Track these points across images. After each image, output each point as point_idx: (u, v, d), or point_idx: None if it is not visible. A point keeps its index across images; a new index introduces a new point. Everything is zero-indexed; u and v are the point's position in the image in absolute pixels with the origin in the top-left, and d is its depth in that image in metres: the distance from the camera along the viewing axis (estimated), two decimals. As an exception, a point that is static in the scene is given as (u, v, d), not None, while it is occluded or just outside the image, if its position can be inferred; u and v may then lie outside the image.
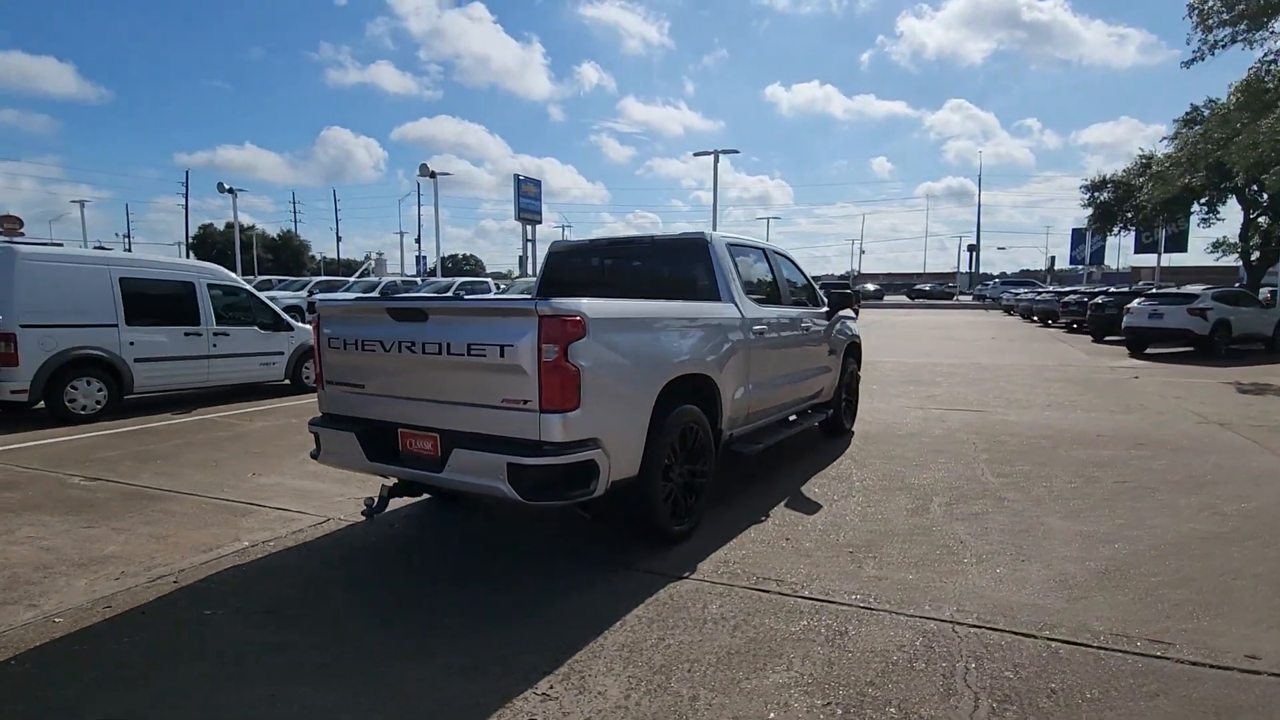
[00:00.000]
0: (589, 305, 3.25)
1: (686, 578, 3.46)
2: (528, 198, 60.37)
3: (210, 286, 9.11)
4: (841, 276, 60.58)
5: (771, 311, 5.19)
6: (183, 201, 65.53)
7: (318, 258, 73.89)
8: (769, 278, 5.53)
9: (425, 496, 4.44)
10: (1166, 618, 3.01)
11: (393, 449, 3.63)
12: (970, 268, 61.36)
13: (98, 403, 7.91)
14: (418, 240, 63.13)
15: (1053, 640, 2.81)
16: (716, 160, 31.12)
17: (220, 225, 74.34)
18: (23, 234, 55.60)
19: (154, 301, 8.54)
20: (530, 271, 63.37)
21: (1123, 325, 15.14)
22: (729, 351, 4.43)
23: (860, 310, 32.96)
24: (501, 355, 3.19)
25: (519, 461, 3.08)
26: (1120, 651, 2.72)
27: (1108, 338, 17.66)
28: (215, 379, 9.12)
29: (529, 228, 58.99)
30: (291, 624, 3.05)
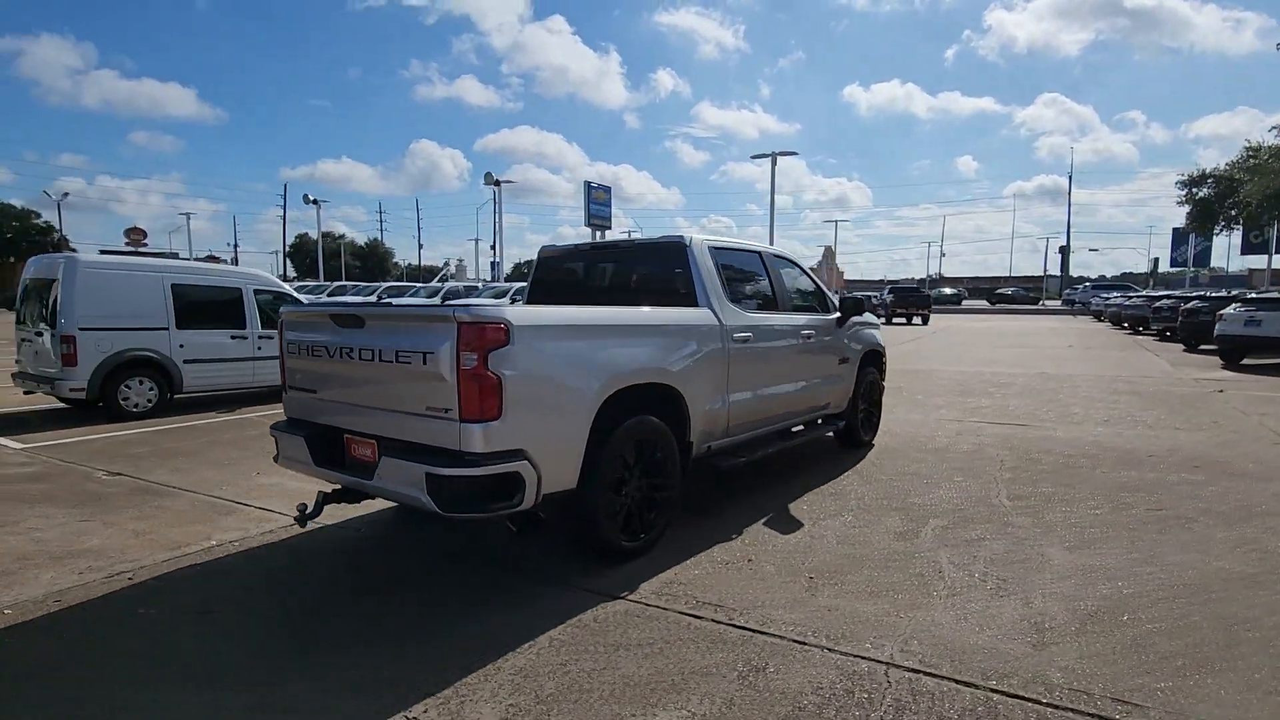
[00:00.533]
0: (514, 312, 3.14)
1: (623, 598, 3.29)
2: (597, 204, 61.28)
3: (256, 292, 9.56)
4: (917, 281, 58.16)
5: (763, 318, 4.93)
6: (296, 213, 69.97)
7: (401, 264, 77.15)
8: (763, 283, 5.27)
9: (375, 503, 4.44)
10: (1146, 673, 2.61)
11: (339, 454, 3.64)
12: (1060, 270, 57.60)
13: (149, 401, 8.42)
14: (493, 246, 64.94)
15: (995, 692, 2.49)
16: (774, 163, 30.54)
17: (314, 234, 78.86)
18: (146, 244, 60.72)
19: (202, 306, 9.03)
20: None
21: (1214, 333, 13.78)
22: (700, 360, 4.22)
23: (930, 316, 31.62)
24: (424, 362, 3.13)
25: (436, 472, 3.00)
26: (1071, 711, 2.37)
27: (1202, 347, 16.13)
28: (260, 380, 9.54)
29: (598, 233, 59.89)
30: (211, 628, 3.07)
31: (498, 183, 29.68)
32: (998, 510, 4.60)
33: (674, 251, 4.61)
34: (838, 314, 5.95)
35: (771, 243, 33.42)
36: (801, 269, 5.98)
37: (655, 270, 4.89)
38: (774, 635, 2.92)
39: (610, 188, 61.22)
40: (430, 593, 3.41)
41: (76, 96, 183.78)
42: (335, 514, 4.32)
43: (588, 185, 58.23)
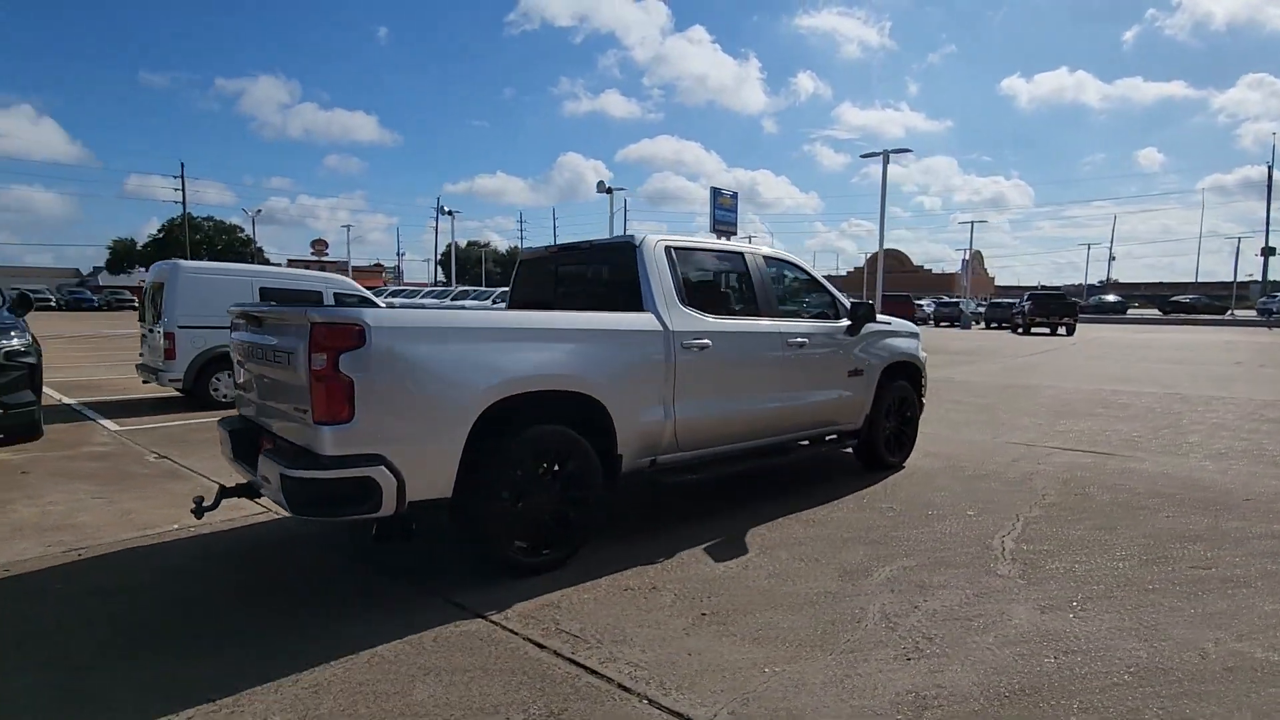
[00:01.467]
0: (373, 314, 3.06)
1: (484, 617, 3.10)
2: (723, 209, 60.91)
3: (337, 295, 10.29)
4: (1062, 287, 51.99)
5: (733, 323, 4.54)
6: (446, 224, 75.89)
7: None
8: (741, 286, 4.85)
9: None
10: (1021, 780, 2.05)
11: (254, 451, 3.74)
12: (1262, 276, 49.30)
13: (235, 392, 9.32)
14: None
15: (800, 778, 2.04)
16: (886, 161, 28.56)
17: (463, 243, 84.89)
18: (327, 253, 68.71)
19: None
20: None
21: None
22: (632, 367, 3.94)
23: (1076, 326, 28.22)
24: (288, 362, 3.13)
25: (287, 472, 2.98)
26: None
27: None
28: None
29: (724, 239, 59.36)
30: (86, 611, 3.17)
31: (609, 190, 30.26)
32: (987, 554, 3.90)
33: (625, 253, 4.35)
34: (848, 321, 5.37)
35: (881, 245, 31.35)
36: (804, 272, 5.46)
37: (609, 272, 4.65)
38: (603, 677, 2.61)
39: (736, 193, 60.60)
40: (310, 596, 3.40)
41: (284, 128, 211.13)
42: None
43: (714, 192, 58.01)
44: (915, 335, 6.30)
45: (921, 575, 3.60)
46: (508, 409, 3.42)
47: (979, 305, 42.18)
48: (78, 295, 51.69)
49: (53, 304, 47.80)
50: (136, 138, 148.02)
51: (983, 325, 36.82)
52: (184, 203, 60.86)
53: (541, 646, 2.84)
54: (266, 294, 9.49)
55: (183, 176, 60.83)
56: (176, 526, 4.35)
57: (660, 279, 4.25)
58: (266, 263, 69.07)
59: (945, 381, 11.82)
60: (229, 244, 68.28)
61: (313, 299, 10.01)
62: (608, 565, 3.71)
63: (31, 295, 9.72)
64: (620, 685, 2.54)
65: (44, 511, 4.63)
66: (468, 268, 75.59)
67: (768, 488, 5.30)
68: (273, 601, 3.33)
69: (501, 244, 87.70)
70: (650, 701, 2.44)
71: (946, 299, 43.18)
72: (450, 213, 44.82)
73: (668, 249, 4.39)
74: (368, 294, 11.12)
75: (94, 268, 78.09)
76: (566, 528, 3.69)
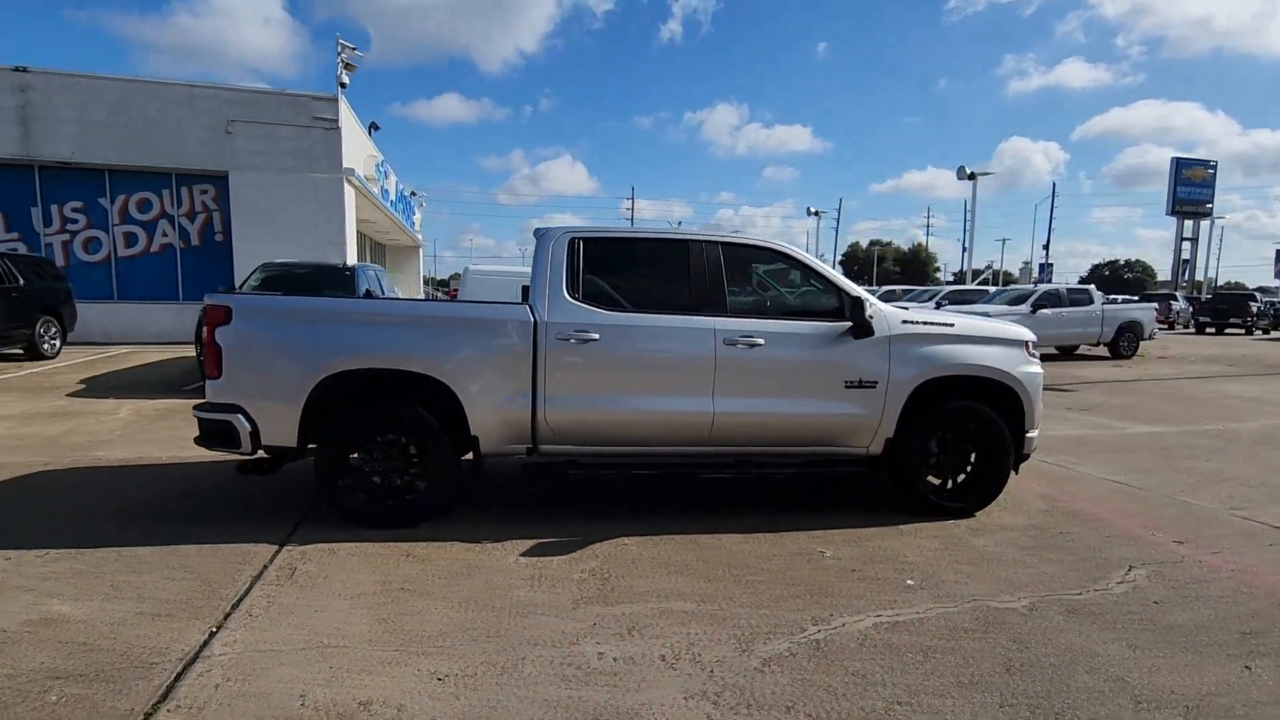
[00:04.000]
0: (239, 298, 4.03)
1: (285, 546, 3.77)
2: (1190, 185, 48.52)
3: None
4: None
5: (632, 318, 4.24)
6: (876, 225, 76.60)
7: (943, 269, 74.52)
8: (671, 279, 4.41)
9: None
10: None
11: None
12: None
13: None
14: (1045, 247, 55.98)
15: None
16: None
17: (864, 244, 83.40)
18: None
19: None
20: (1185, 278, 48.88)
21: None
22: (489, 355, 4.11)
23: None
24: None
25: (194, 413, 4.16)
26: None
27: None
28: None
29: (1191, 223, 46.12)
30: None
31: (972, 175, 25.85)
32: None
33: (538, 244, 4.46)
34: (848, 323, 4.35)
35: None
36: (799, 265, 4.58)
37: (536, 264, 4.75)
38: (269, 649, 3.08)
39: (1215, 163, 47.36)
40: (187, 521, 4.42)
41: (733, 147, 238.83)
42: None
43: (1175, 162, 46.82)
44: (1009, 343, 4.61)
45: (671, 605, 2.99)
46: (355, 381, 4.03)
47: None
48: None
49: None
50: (631, 170, 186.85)
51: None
52: (632, 218, 73.96)
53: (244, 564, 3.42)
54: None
55: (632, 198, 74.19)
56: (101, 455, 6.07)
57: (550, 272, 4.27)
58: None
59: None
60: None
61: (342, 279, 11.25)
62: (455, 534, 3.98)
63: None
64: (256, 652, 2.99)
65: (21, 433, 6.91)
66: (866, 268, 73.73)
67: (757, 498, 4.67)
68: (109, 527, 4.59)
69: (905, 242, 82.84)
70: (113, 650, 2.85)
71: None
72: (819, 214, 44.60)
73: (573, 241, 4.35)
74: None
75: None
76: (416, 492, 4.12)
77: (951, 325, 4.55)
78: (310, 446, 4.12)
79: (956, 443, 4.56)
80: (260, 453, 4.11)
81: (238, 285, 11.86)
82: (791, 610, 3.13)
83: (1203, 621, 3.07)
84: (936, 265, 74.85)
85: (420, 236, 33.52)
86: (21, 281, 11.66)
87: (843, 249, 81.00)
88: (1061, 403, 9.42)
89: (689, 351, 4.26)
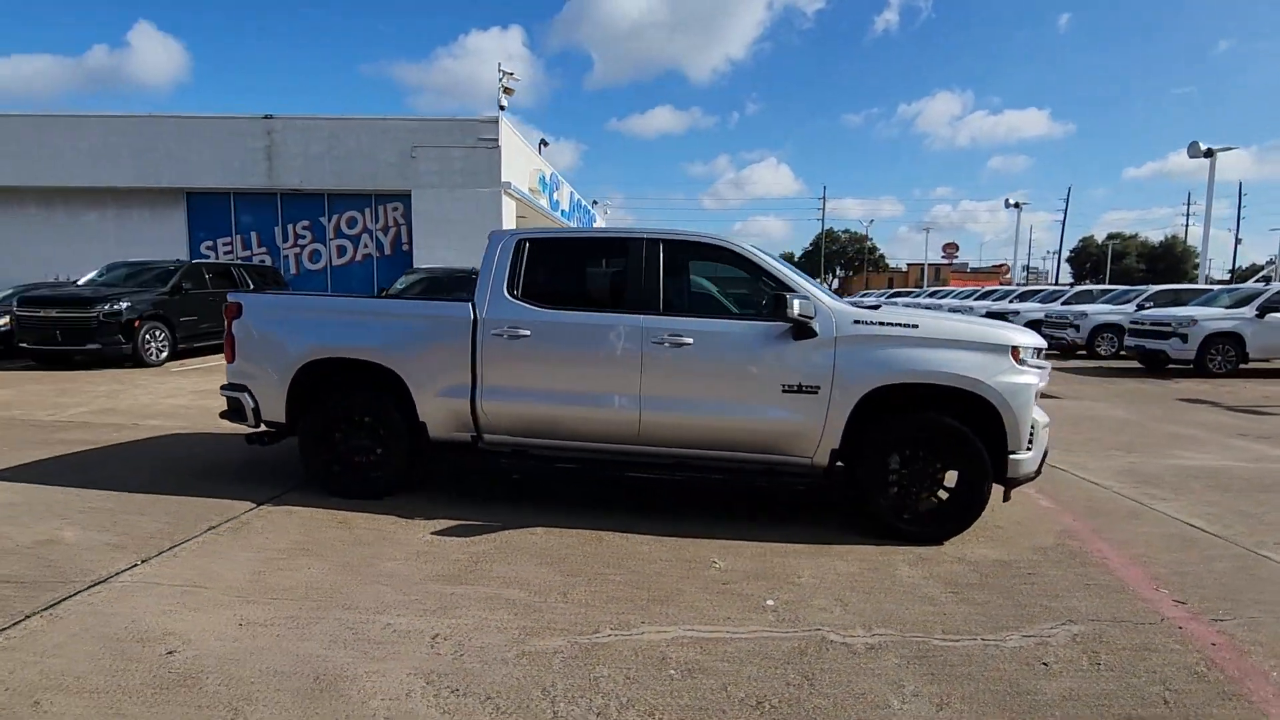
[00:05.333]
0: (247, 296, 4.80)
1: (261, 505, 4.46)
2: None
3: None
4: None
5: (563, 316, 4.35)
6: (1133, 215, 67.32)
7: (1208, 264, 61.89)
8: (610, 278, 4.43)
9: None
10: None
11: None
12: None
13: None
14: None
15: None
16: None
17: (1100, 237, 72.27)
18: (956, 256, 70.26)
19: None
20: None
21: None
22: (433, 349, 4.47)
23: None
24: (243, 325, 5.16)
25: (221, 392, 5.03)
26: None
27: None
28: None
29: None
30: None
31: (1208, 152, 20.55)
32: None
33: (489, 243, 4.73)
34: (787, 324, 4.05)
35: None
36: (746, 263, 4.34)
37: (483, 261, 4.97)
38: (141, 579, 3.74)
39: None
40: (188, 478, 5.31)
41: (952, 139, 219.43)
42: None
43: None
44: (986, 348, 3.94)
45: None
46: (327, 368, 4.63)
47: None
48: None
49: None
50: (837, 169, 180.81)
51: None
52: (822, 220, 71.27)
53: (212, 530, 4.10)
54: None
55: (824, 198, 71.70)
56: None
57: (495, 272, 4.52)
58: (885, 269, 74.12)
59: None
60: (856, 253, 76.57)
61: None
62: (401, 510, 4.42)
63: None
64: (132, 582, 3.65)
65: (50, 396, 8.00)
66: (1101, 264, 63.63)
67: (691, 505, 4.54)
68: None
69: (1167, 233, 69.82)
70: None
71: None
72: (1017, 206, 39.16)
73: (519, 243, 4.56)
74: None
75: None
76: (379, 469, 4.63)
77: (915, 327, 4.02)
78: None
79: (923, 460, 4.03)
80: (263, 426, 4.86)
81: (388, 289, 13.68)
82: (612, 613, 3.06)
83: (1083, 696, 2.47)
84: (1196, 260, 62.30)
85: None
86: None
87: (1072, 243, 71.02)
88: (1236, 427, 7.60)
89: (614, 349, 4.26)
